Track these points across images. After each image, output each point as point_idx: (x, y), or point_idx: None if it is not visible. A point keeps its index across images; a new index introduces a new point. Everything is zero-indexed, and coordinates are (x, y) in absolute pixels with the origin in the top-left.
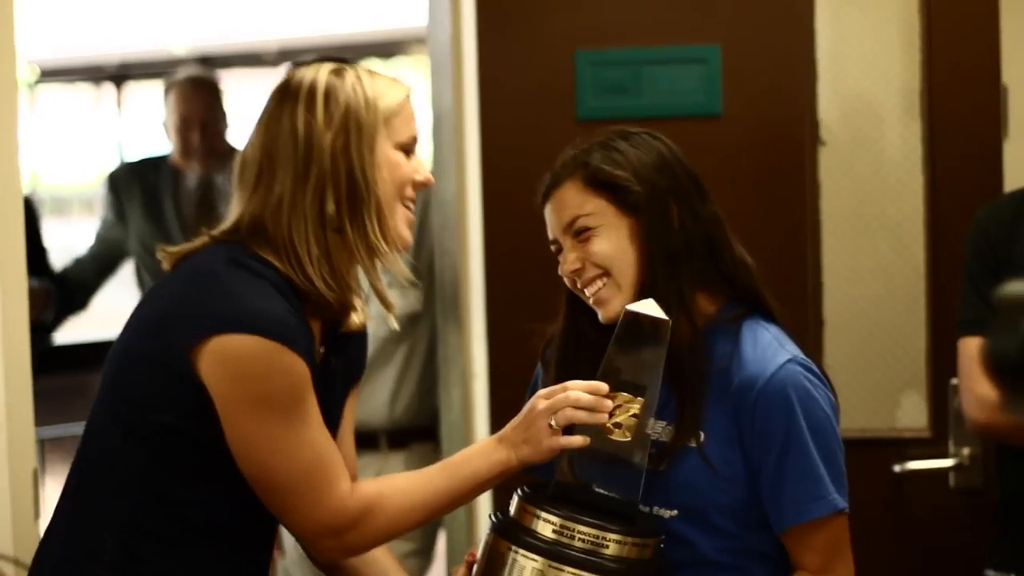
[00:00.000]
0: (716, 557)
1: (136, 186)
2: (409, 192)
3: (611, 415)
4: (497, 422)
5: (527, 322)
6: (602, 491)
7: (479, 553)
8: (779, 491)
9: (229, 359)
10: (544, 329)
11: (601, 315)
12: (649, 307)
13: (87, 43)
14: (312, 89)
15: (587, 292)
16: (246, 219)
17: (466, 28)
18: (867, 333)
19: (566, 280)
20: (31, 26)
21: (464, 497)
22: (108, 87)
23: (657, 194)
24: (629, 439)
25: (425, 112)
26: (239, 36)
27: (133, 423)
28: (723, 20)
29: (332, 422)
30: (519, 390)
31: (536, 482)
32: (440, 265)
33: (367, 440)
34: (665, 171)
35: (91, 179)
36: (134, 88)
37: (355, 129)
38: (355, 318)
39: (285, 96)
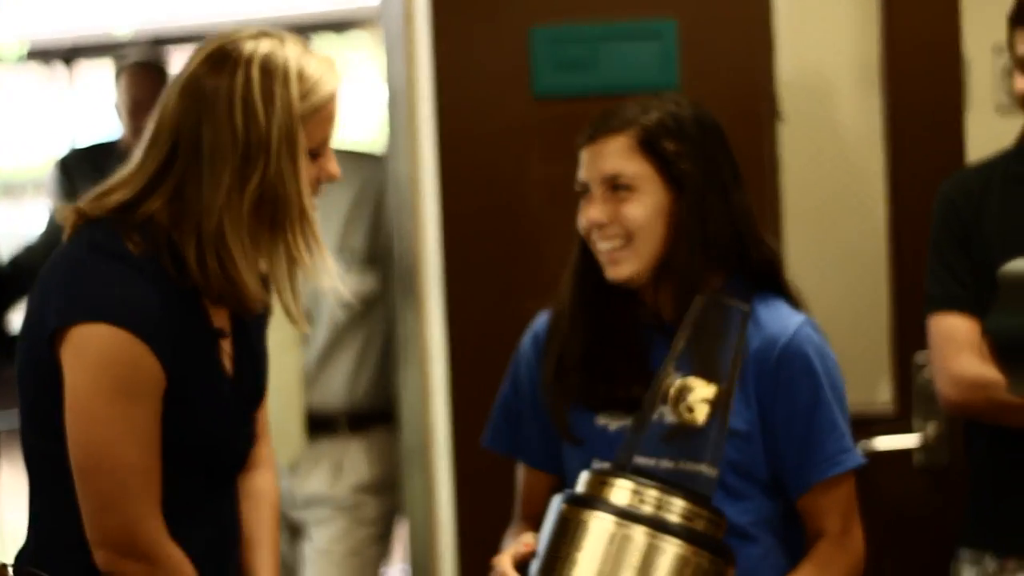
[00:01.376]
0: (730, 518)
1: (87, 171)
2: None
3: (682, 398)
4: (457, 403)
5: (486, 302)
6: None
7: (545, 531)
8: (808, 447)
9: (79, 346)
10: (531, 305)
11: (608, 273)
12: (719, 299)
13: (36, 23)
14: (248, 75)
15: (602, 246)
16: (137, 194)
17: (419, 4)
18: (831, 311)
19: (581, 228)
20: None
21: None
22: (59, 67)
23: (701, 176)
24: (700, 423)
25: (379, 90)
26: (190, 15)
27: (39, 418)
28: None
29: (249, 401)
30: (479, 371)
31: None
32: (397, 246)
33: (326, 424)
34: (712, 157)
35: (43, 162)
36: (85, 68)
37: (282, 138)
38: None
39: (218, 69)
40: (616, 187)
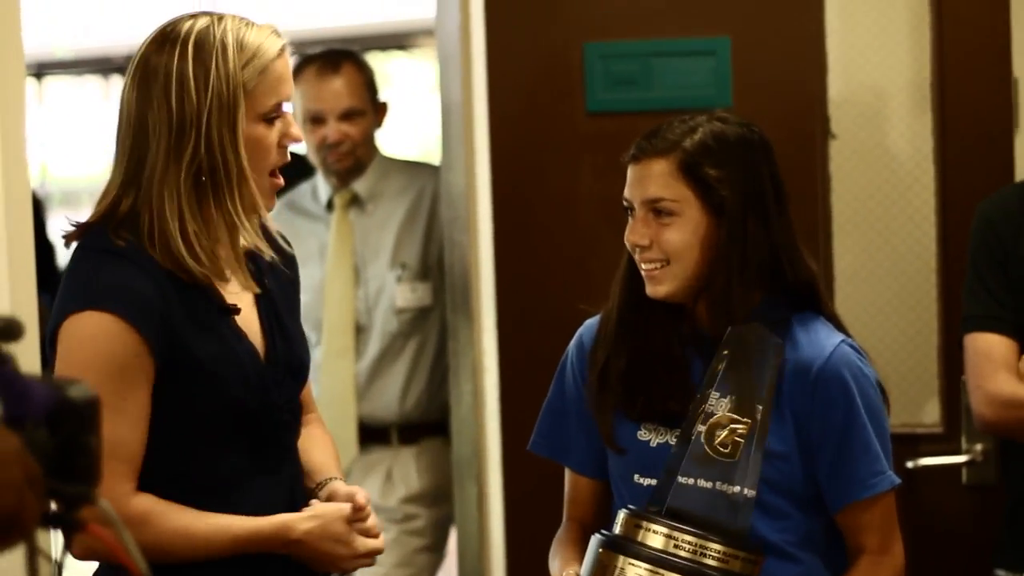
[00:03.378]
0: (766, 537)
1: None
2: (275, 159)
3: (714, 436)
4: (508, 415)
5: (537, 315)
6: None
7: (584, 571)
8: (841, 468)
9: (63, 337)
10: (585, 310)
11: (648, 290)
12: (756, 329)
13: (95, 34)
14: (183, 50)
15: (643, 265)
16: (118, 190)
17: (475, 20)
18: (879, 328)
19: (627, 244)
20: (37, 17)
21: (231, 549)
22: (116, 79)
23: (740, 203)
24: (735, 460)
25: (434, 105)
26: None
27: None
28: (733, 12)
29: (285, 371)
30: (530, 383)
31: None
32: (449, 259)
33: (378, 435)
34: (755, 178)
35: (100, 171)
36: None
37: (216, 107)
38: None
39: (159, 50)
40: (658, 212)
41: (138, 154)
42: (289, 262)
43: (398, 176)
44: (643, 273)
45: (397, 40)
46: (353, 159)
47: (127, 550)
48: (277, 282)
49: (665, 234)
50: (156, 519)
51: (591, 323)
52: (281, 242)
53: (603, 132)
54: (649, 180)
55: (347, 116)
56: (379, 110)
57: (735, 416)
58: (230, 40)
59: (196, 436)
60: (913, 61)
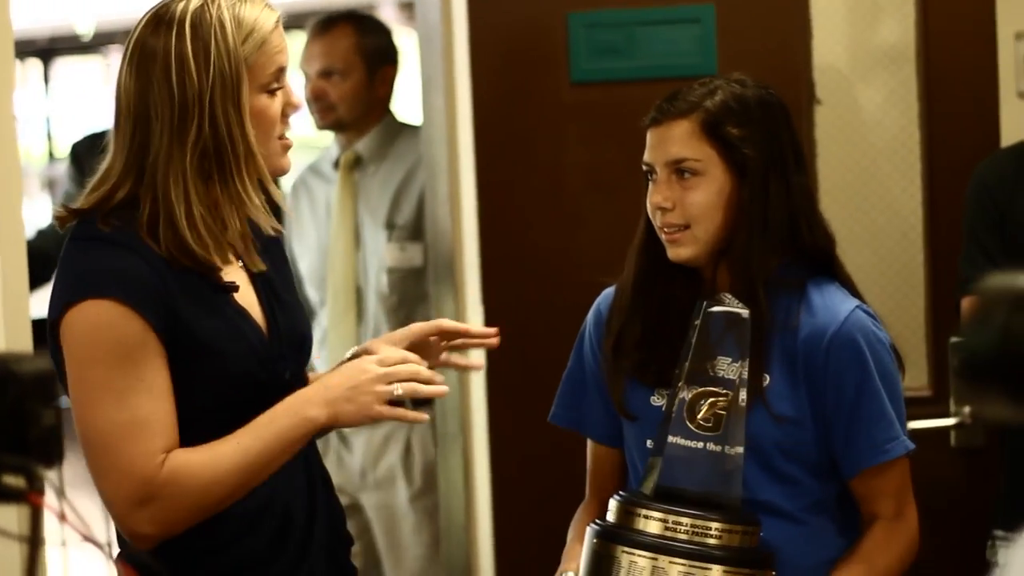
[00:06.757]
0: (777, 504)
1: (99, 157)
2: (279, 129)
3: (696, 411)
4: (494, 388)
5: (523, 285)
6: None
7: (582, 563)
8: (855, 434)
9: (67, 329)
10: (600, 281)
11: (669, 253)
12: (729, 302)
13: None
14: (180, 31)
15: (664, 228)
16: (118, 177)
17: None
18: (867, 292)
19: (648, 208)
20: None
21: (275, 457)
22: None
23: (762, 162)
24: (718, 433)
25: (414, 75)
26: None
27: None
28: None
29: (289, 346)
30: (517, 356)
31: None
32: (432, 233)
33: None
34: (776, 139)
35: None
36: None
37: (219, 85)
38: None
39: (156, 32)
40: (681, 171)
41: (140, 139)
42: (277, 236)
43: (402, 140)
44: (664, 238)
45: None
46: (333, 116)
47: (75, 522)
48: (272, 257)
49: (689, 196)
50: (184, 476)
51: (608, 292)
52: (273, 221)
53: (588, 102)
54: (671, 141)
55: (325, 75)
56: (377, 73)
57: (713, 389)
58: (227, 16)
59: (207, 413)
60: (897, 25)
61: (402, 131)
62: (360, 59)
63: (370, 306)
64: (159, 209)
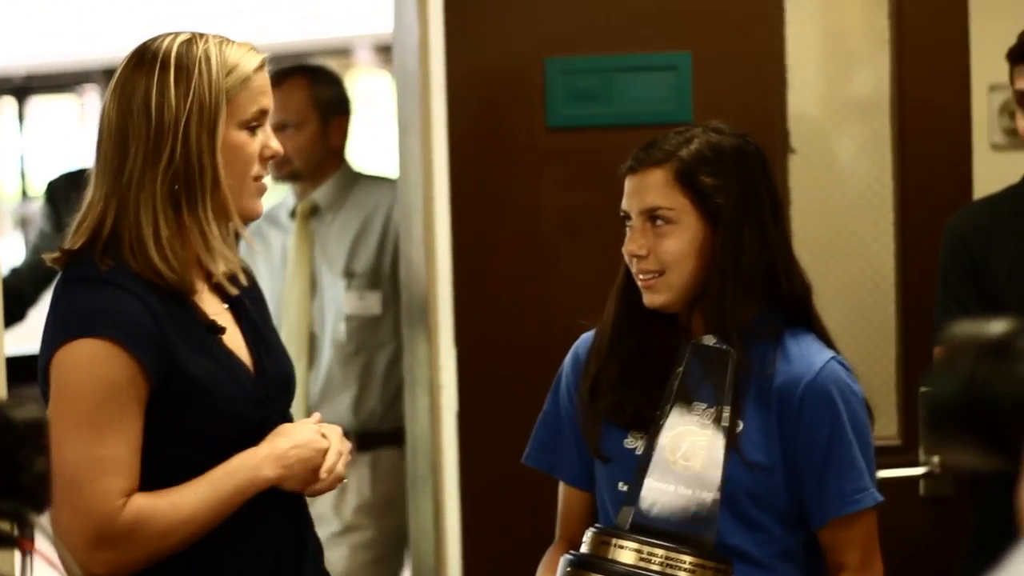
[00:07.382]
0: (746, 549)
1: (74, 196)
2: (256, 170)
3: (677, 449)
4: (465, 432)
5: (497, 330)
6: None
7: None
8: (824, 484)
9: (55, 370)
10: (578, 323)
11: (644, 298)
12: (713, 339)
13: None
14: (164, 63)
15: (639, 275)
16: (102, 204)
17: (433, 35)
18: (838, 340)
19: (625, 255)
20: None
21: (226, 511)
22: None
23: (736, 211)
24: (698, 472)
25: (391, 120)
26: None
27: None
28: (694, 27)
29: (276, 388)
30: (489, 400)
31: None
32: (406, 275)
33: None
34: (751, 188)
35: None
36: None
37: (196, 112)
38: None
39: (140, 65)
40: (655, 219)
41: (117, 163)
42: (249, 275)
43: (359, 188)
44: (639, 283)
45: (349, 55)
46: (289, 168)
47: (64, 569)
48: (251, 296)
49: (662, 244)
50: (146, 520)
51: (587, 336)
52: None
53: (564, 147)
54: (646, 190)
55: (279, 128)
56: (331, 123)
57: (694, 429)
58: (213, 52)
59: (197, 454)
60: (872, 76)
61: (358, 180)
62: (314, 110)
63: (324, 353)
64: (132, 231)
